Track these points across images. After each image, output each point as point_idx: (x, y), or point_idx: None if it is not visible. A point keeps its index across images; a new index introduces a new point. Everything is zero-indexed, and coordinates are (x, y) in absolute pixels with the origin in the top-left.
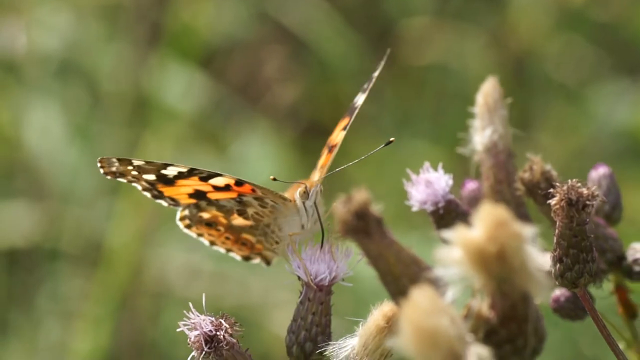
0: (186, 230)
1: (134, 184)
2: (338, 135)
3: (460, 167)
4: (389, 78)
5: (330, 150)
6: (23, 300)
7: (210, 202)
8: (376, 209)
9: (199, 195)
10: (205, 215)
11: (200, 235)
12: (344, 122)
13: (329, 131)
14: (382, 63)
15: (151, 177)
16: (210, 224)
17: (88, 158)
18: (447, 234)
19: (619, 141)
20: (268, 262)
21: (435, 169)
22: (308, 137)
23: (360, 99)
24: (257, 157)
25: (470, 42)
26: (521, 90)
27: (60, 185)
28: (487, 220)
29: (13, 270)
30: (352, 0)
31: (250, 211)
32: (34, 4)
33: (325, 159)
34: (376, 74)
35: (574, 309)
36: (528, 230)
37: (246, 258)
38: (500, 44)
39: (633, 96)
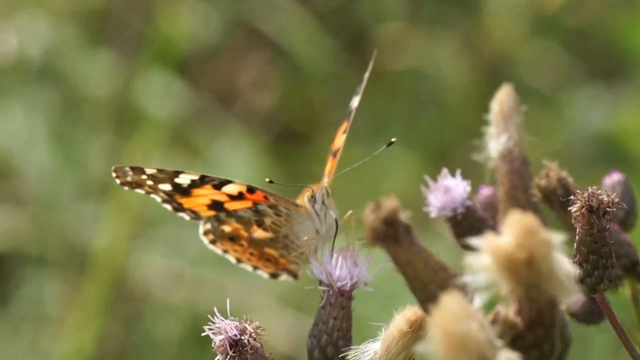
0: (211, 247)
1: (152, 196)
2: (338, 140)
3: (433, 172)
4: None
5: (335, 155)
6: (4, 306)
7: (230, 214)
8: (404, 216)
9: (216, 206)
10: (227, 228)
11: (225, 251)
12: (343, 127)
13: (302, 136)
14: (371, 64)
15: (167, 187)
16: (233, 239)
17: (68, 163)
18: (475, 240)
19: (593, 146)
20: (295, 276)
21: (408, 173)
22: (282, 142)
23: (354, 102)
24: (232, 163)
25: (444, 47)
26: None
27: (41, 191)
28: (516, 227)
29: None
30: (326, 6)
31: (267, 221)
32: (12, 10)
33: (330, 164)
34: (367, 74)
35: (590, 313)
36: (556, 237)
37: (273, 275)
38: (474, 49)
39: (607, 101)
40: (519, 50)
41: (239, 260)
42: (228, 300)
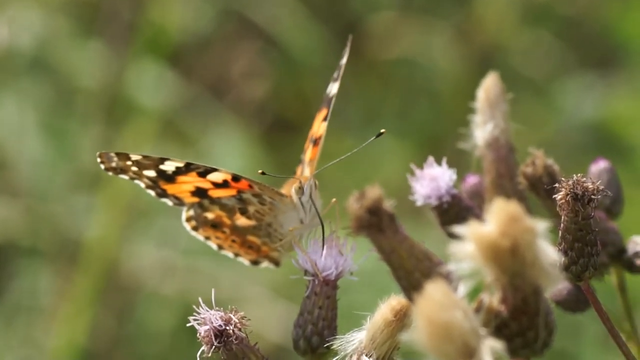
0: (193, 233)
1: (136, 181)
2: (320, 127)
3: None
4: (355, 73)
5: (316, 143)
6: None
7: (213, 201)
8: (388, 204)
9: (200, 193)
10: (210, 215)
11: (207, 238)
12: (322, 114)
13: (295, 127)
14: (347, 49)
15: (151, 173)
16: (215, 226)
17: (60, 155)
18: (460, 229)
19: (585, 134)
20: (277, 263)
21: (402, 163)
22: (274, 133)
23: (333, 88)
24: (225, 153)
25: (437, 36)
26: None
27: (33, 182)
28: (500, 215)
29: None
30: None
31: (251, 209)
32: (3, 1)
33: (312, 152)
34: (344, 61)
35: (576, 301)
36: (540, 225)
37: (254, 262)
38: (467, 38)
39: (599, 90)
40: (512, 39)
41: (220, 247)
42: (213, 290)
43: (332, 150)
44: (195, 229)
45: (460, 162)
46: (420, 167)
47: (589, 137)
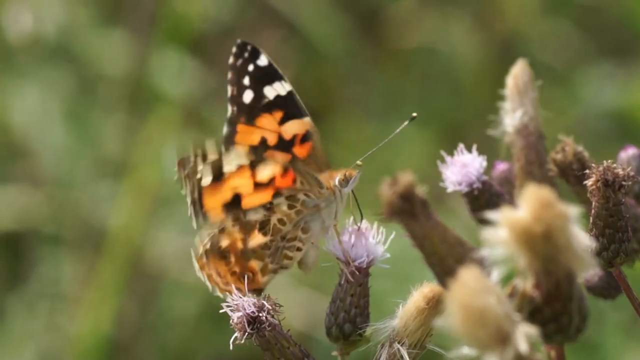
0: (199, 274)
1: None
2: (293, 125)
3: (446, 149)
4: (375, 61)
5: (301, 141)
6: (20, 285)
7: (237, 219)
8: (421, 190)
9: (234, 202)
10: (225, 242)
11: (209, 276)
12: (275, 115)
13: (316, 115)
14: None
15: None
16: (224, 255)
17: (84, 142)
18: (492, 214)
19: (605, 123)
20: (261, 291)
21: (422, 150)
22: None
23: (286, 87)
24: None
25: (457, 24)
26: (507, 72)
27: (56, 170)
28: (533, 200)
29: (10, 254)
30: None
31: (273, 220)
32: None
33: (303, 150)
34: (265, 62)
35: (607, 287)
36: (573, 210)
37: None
38: (486, 26)
39: (619, 78)
40: (531, 27)
41: (216, 286)
42: (246, 276)
43: (352, 138)
44: (202, 267)
45: (482, 150)
46: (442, 155)
47: (610, 125)
